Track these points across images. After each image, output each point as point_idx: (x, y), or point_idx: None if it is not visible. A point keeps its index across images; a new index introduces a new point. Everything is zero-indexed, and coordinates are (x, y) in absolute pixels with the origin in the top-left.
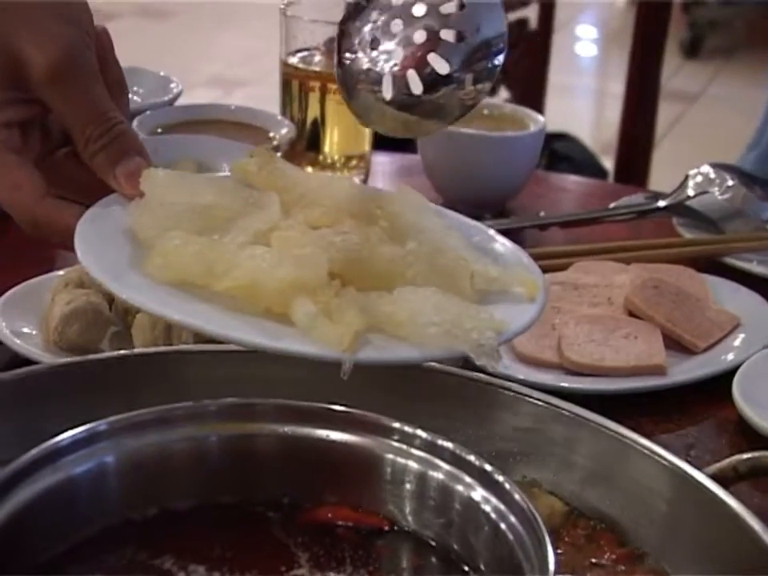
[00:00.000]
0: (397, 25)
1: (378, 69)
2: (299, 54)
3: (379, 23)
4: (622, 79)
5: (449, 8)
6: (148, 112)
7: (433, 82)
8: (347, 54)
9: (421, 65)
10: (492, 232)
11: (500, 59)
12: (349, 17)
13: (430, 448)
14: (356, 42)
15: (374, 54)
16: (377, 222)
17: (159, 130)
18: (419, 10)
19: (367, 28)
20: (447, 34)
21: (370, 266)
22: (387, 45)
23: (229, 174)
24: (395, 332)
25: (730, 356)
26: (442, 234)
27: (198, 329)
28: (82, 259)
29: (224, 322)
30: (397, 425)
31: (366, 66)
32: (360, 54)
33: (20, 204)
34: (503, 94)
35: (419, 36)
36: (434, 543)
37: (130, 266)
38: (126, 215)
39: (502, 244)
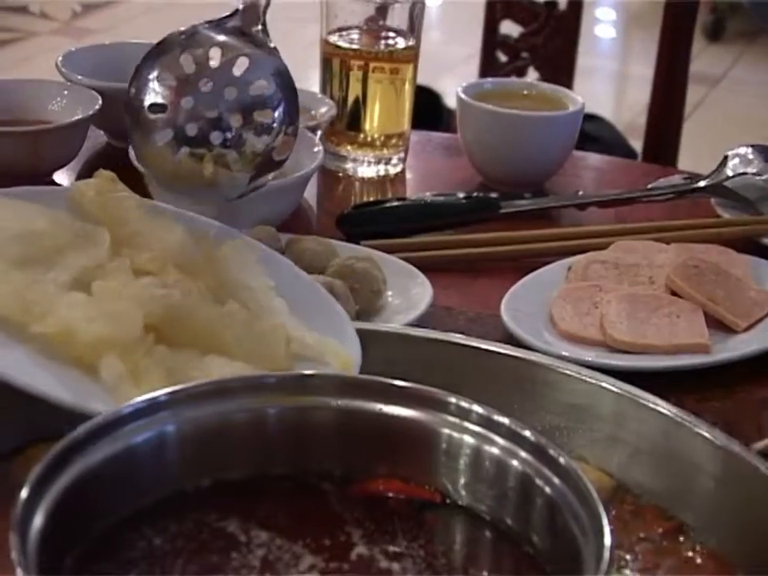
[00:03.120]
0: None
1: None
2: (339, 33)
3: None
4: (644, 61)
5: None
6: None
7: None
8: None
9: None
10: (325, 296)
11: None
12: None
13: (486, 422)
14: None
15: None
16: (202, 277)
17: None
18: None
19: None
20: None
21: (187, 325)
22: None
23: (63, 191)
24: None
25: None
26: (266, 296)
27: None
28: None
29: (31, 372)
30: (453, 399)
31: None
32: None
33: None
34: (532, 74)
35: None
36: (487, 517)
37: None
38: None
39: (333, 311)
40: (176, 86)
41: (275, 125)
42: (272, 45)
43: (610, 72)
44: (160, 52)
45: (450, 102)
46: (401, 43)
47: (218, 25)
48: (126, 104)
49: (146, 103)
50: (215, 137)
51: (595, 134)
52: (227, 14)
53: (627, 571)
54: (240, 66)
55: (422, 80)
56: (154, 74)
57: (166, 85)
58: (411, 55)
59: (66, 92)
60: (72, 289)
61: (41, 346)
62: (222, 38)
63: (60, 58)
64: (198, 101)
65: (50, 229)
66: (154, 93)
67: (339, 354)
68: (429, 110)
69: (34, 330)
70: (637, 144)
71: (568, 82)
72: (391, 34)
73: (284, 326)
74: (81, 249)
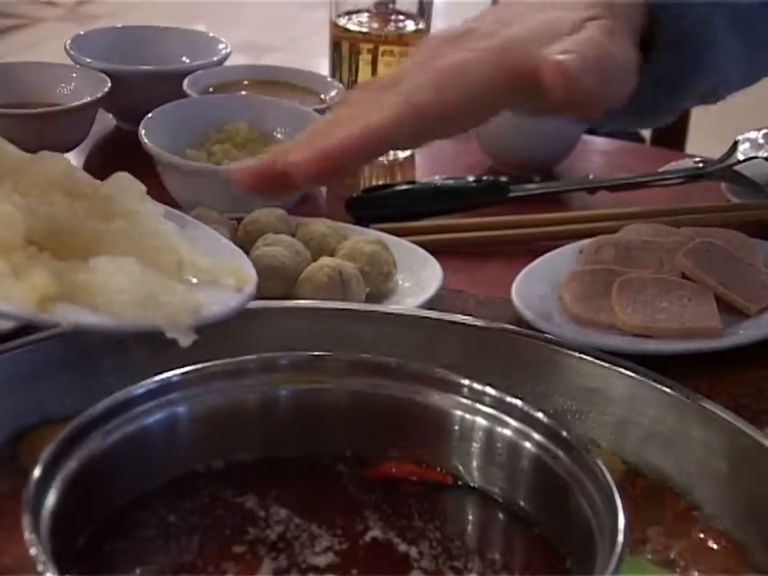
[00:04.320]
0: None
1: None
2: (348, 16)
3: None
4: None
5: None
6: (199, 72)
7: None
8: None
9: None
10: (215, 233)
11: None
12: None
13: (498, 404)
14: None
15: None
16: (86, 201)
17: (210, 90)
18: None
19: None
20: None
21: (71, 238)
22: None
23: None
24: (88, 301)
25: None
26: (155, 220)
27: None
28: None
29: None
30: (465, 381)
31: None
32: None
33: None
34: None
35: None
36: (500, 499)
37: None
38: None
39: (222, 242)
40: None
41: None
42: None
43: None
44: None
45: None
46: (410, 26)
47: None
48: None
49: None
50: None
51: None
52: None
53: (640, 553)
54: None
55: None
56: None
57: None
58: (420, 38)
59: (74, 75)
60: None
61: None
62: None
63: (69, 41)
64: None
65: None
66: None
67: (237, 272)
68: None
69: None
70: (645, 131)
71: None
72: (401, 17)
73: (175, 249)
74: None
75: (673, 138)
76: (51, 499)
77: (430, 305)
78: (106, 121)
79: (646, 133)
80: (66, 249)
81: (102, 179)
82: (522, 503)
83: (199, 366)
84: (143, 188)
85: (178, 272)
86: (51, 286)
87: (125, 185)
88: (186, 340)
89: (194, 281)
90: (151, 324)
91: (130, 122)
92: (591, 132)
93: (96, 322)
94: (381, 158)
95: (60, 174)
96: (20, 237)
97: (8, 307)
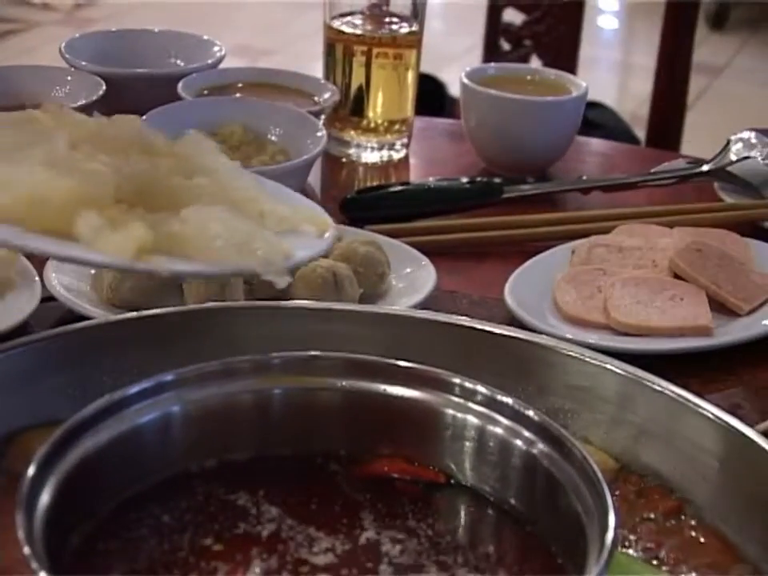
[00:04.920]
0: None
1: None
2: (342, 18)
3: None
4: (647, 51)
5: None
6: (194, 75)
7: None
8: None
9: None
10: (284, 186)
11: None
12: None
13: (490, 403)
14: None
15: None
16: (165, 159)
17: (205, 92)
18: None
19: None
20: None
21: (157, 195)
22: None
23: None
24: (183, 250)
25: None
26: (233, 174)
27: None
28: None
29: (7, 230)
30: (457, 380)
31: None
32: None
33: None
34: (535, 62)
35: None
36: (491, 498)
37: None
38: None
39: (295, 194)
40: None
41: None
42: None
43: (613, 62)
44: None
45: (454, 91)
46: (404, 28)
47: None
48: None
49: None
50: None
51: (599, 121)
52: None
53: (630, 551)
54: None
55: (425, 71)
56: None
57: None
58: (414, 41)
59: (69, 78)
60: None
61: (11, 220)
62: None
63: (63, 45)
64: None
65: (4, 130)
66: None
67: (315, 219)
68: (433, 98)
69: (1, 203)
70: (640, 134)
71: (571, 70)
72: (394, 20)
73: (257, 199)
74: (37, 145)
75: (668, 143)
76: (45, 498)
77: (423, 305)
78: None
79: (641, 134)
80: (153, 205)
81: None
82: (513, 501)
83: (192, 366)
84: (216, 144)
85: (262, 221)
86: (147, 236)
87: (198, 142)
88: (282, 281)
89: (277, 229)
90: (248, 268)
91: None
92: (586, 135)
93: (193, 270)
94: (375, 160)
95: (136, 134)
96: (110, 193)
97: (106, 258)
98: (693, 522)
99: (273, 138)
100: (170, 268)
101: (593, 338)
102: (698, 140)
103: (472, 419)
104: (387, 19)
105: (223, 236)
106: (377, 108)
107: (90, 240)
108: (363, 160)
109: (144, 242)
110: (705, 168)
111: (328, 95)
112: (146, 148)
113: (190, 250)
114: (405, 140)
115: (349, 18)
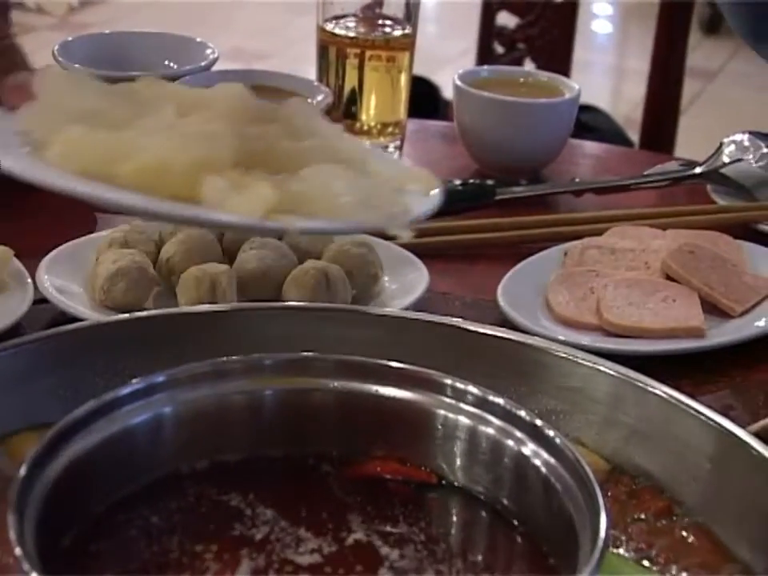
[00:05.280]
0: None
1: None
2: (336, 20)
3: None
4: (641, 55)
5: None
6: (187, 77)
7: None
8: None
9: None
10: (385, 152)
11: None
12: None
13: (481, 403)
14: None
15: None
16: (273, 123)
17: None
18: None
19: None
20: None
21: (274, 156)
22: None
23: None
24: (308, 208)
25: (767, 320)
26: (337, 137)
27: (113, 202)
28: None
29: (136, 197)
30: (448, 380)
31: None
32: None
33: None
34: (528, 66)
35: None
36: (483, 498)
37: (29, 158)
38: (16, 120)
39: (395, 156)
40: None
41: None
42: None
43: (607, 66)
44: None
45: (448, 95)
46: (397, 31)
47: None
48: None
49: None
50: None
51: (592, 124)
52: None
53: (621, 551)
54: None
55: (419, 74)
56: None
57: None
58: (408, 43)
59: None
60: None
61: (133, 188)
62: None
63: (57, 47)
64: None
65: (114, 104)
66: None
67: (422, 178)
68: (426, 101)
69: (125, 171)
70: (634, 138)
71: (565, 74)
72: (387, 22)
73: (364, 160)
74: (146, 115)
75: (661, 146)
76: (37, 499)
77: (416, 307)
78: None
79: (635, 137)
80: (270, 167)
81: None
82: (505, 502)
83: (184, 367)
84: (318, 108)
85: (376, 178)
86: (274, 195)
87: (302, 106)
88: (406, 234)
89: (389, 186)
90: (373, 223)
91: None
92: (579, 138)
93: (321, 226)
94: None
95: (240, 100)
96: (229, 157)
97: (237, 218)
98: (684, 523)
99: None
100: (300, 225)
101: (585, 339)
102: (691, 144)
103: (464, 420)
104: (380, 22)
105: (347, 193)
106: (370, 110)
107: (218, 203)
108: None
109: (271, 202)
110: (697, 170)
111: (321, 97)
112: (251, 113)
113: (315, 208)
114: (398, 142)
115: (342, 21)
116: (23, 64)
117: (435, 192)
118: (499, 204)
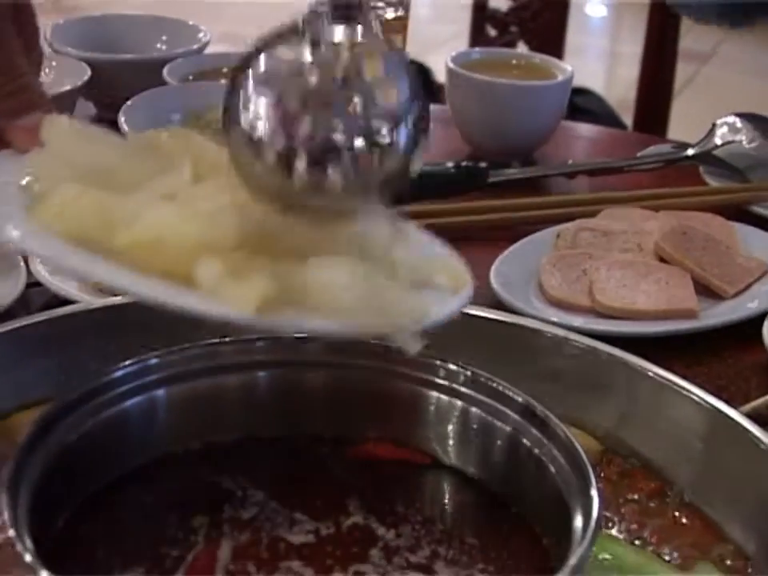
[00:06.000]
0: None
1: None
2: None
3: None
4: (635, 40)
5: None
6: (179, 60)
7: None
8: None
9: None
10: (418, 229)
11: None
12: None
13: (474, 385)
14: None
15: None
16: None
17: (190, 78)
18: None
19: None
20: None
21: (284, 240)
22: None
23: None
24: (309, 302)
25: (760, 301)
26: (365, 219)
27: (100, 278)
28: None
29: (124, 275)
30: (441, 362)
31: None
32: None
33: None
34: (521, 49)
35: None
36: (476, 478)
37: (22, 216)
38: (21, 168)
39: (431, 239)
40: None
41: (408, 133)
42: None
43: (601, 50)
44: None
45: (440, 78)
46: (390, 14)
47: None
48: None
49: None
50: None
51: (586, 107)
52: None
53: (614, 531)
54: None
55: (411, 57)
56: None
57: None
58: (400, 26)
59: (54, 64)
60: None
61: (128, 261)
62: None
63: (48, 30)
64: (329, 116)
65: (125, 162)
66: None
67: (451, 270)
68: None
69: (119, 242)
70: (627, 121)
71: (558, 57)
72: (380, 5)
73: (388, 246)
74: (161, 178)
75: (655, 129)
76: (30, 481)
77: None
78: (86, 110)
79: (628, 121)
80: (278, 250)
81: None
82: (498, 483)
83: (177, 348)
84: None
85: (394, 271)
86: (271, 288)
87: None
88: (414, 346)
89: (409, 280)
90: (378, 328)
91: (110, 110)
92: (572, 120)
93: (319, 328)
94: None
95: None
96: (232, 238)
97: (227, 311)
98: (676, 503)
99: None
100: (295, 325)
101: (578, 321)
102: (685, 126)
103: (457, 401)
104: (373, 4)
105: (352, 289)
106: None
107: (211, 289)
108: None
109: (268, 293)
110: (690, 152)
111: None
112: None
113: (316, 302)
114: None
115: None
116: (41, 103)
117: (465, 291)
118: (492, 186)
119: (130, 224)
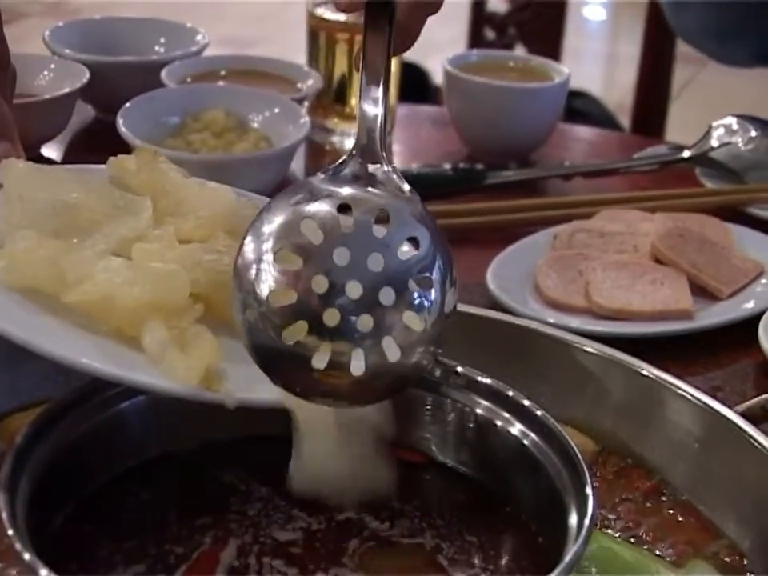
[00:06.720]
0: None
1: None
2: (326, 5)
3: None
4: (632, 43)
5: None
6: (177, 62)
7: None
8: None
9: None
10: None
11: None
12: None
13: (470, 385)
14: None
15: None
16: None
17: (188, 80)
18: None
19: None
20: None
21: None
22: None
23: (103, 169)
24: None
25: (755, 302)
26: None
27: (38, 350)
28: None
29: (68, 343)
30: (438, 362)
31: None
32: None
33: None
34: (519, 51)
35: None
36: (472, 477)
37: None
38: None
39: None
40: (302, 263)
41: (437, 293)
42: (406, 186)
43: (599, 53)
44: (270, 221)
45: (438, 81)
46: None
47: (333, 174)
48: (237, 294)
49: (265, 293)
50: (364, 323)
51: (583, 110)
52: (339, 161)
53: (610, 530)
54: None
55: (409, 60)
56: (268, 252)
57: (288, 263)
58: None
59: (53, 66)
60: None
61: (76, 317)
62: (346, 190)
63: (47, 33)
64: (335, 279)
65: (85, 199)
66: (273, 277)
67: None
68: (417, 87)
69: (68, 299)
70: (625, 124)
71: (556, 59)
72: None
73: None
74: (120, 219)
75: (652, 128)
76: (27, 480)
77: None
78: (85, 112)
79: (626, 123)
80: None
81: None
82: (494, 482)
83: None
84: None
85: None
86: (217, 356)
87: None
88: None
89: None
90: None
91: (108, 112)
92: (569, 122)
93: (264, 400)
94: None
95: (225, 210)
96: (184, 296)
97: (172, 386)
98: (671, 502)
99: (255, 124)
100: (238, 397)
101: (574, 321)
102: (682, 129)
103: (453, 401)
104: None
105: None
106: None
107: (156, 355)
108: (346, 147)
109: (211, 367)
110: (686, 154)
111: (311, 82)
112: (234, 226)
113: None
114: (388, 127)
115: (331, 6)
116: (6, 134)
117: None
118: (489, 188)
119: (79, 282)
